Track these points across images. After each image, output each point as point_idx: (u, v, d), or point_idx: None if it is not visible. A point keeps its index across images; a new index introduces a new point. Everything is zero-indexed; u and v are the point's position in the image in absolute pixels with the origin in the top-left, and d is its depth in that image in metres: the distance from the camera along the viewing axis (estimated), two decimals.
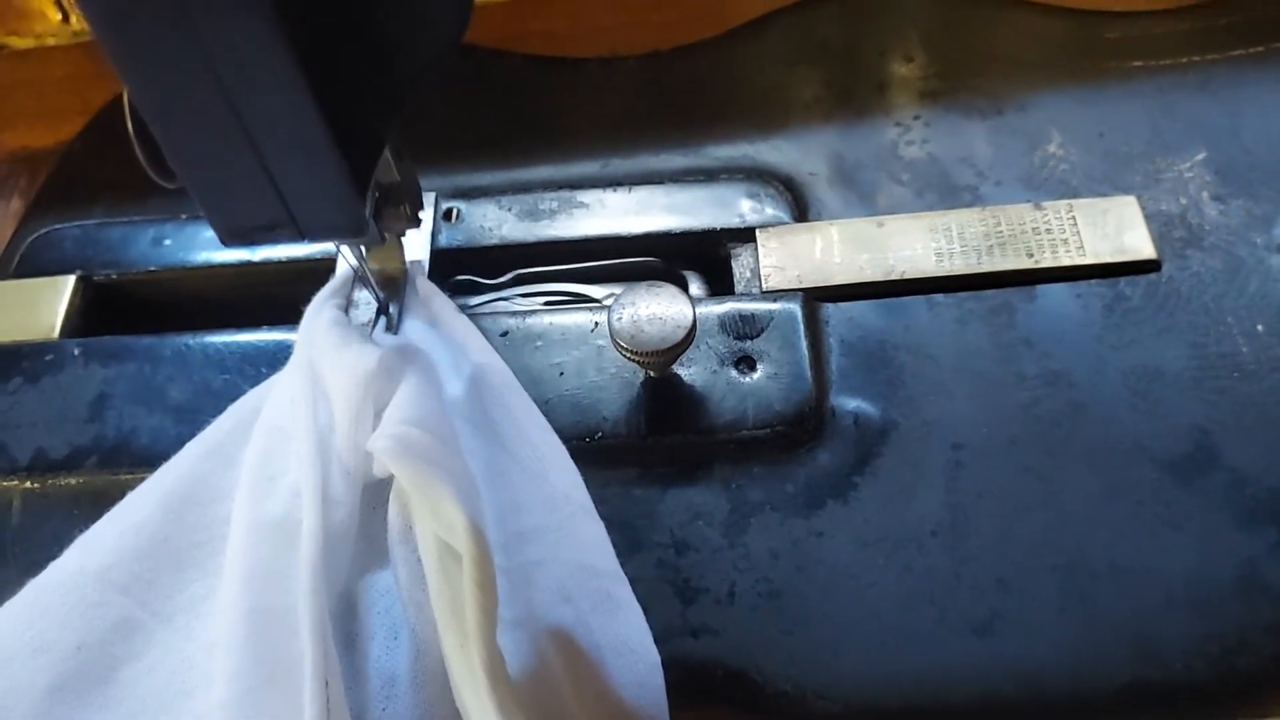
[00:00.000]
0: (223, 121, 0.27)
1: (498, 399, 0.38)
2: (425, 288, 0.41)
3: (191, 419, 0.40)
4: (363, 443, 0.33)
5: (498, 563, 0.32)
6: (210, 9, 0.24)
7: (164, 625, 0.33)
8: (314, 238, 0.31)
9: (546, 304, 0.44)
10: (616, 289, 0.44)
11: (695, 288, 0.44)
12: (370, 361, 0.34)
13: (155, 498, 0.35)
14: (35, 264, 0.47)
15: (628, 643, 0.33)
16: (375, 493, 0.34)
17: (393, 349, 0.35)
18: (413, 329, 0.39)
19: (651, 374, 0.40)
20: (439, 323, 0.40)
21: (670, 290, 0.37)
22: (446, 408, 0.35)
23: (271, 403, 0.36)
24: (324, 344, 0.35)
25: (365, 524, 0.34)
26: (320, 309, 0.37)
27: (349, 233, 0.30)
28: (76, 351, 0.43)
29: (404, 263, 0.40)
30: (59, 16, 0.59)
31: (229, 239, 0.30)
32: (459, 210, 0.46)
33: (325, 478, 0.33)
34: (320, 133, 0.27)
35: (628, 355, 0.37)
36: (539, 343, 0.41)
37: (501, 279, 0.45)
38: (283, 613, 0.30)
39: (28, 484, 0.40)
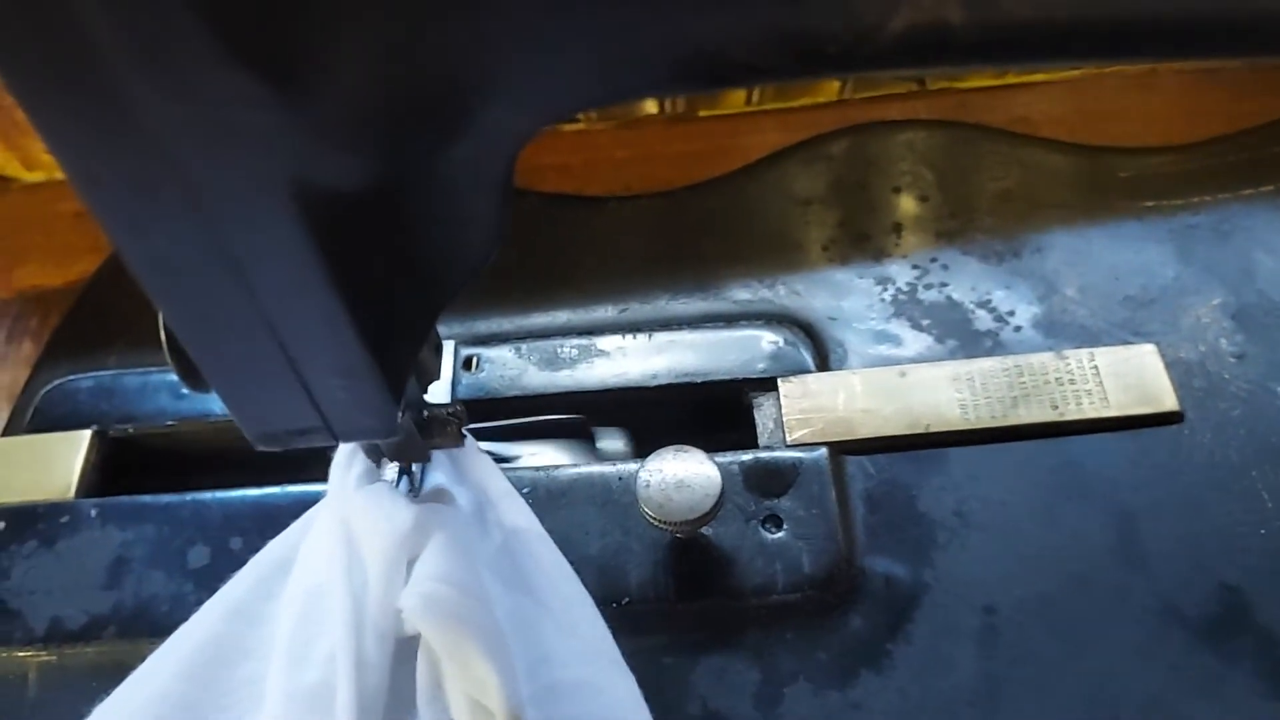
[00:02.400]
0: (259, 341, 0.26)
1: (526, 550, 0.38)
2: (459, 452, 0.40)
3: (212, 584, 0.39)
4: (394, 602, 0.33)
5: (530, 716, 0.32)
6: (248, 237, 0.24)
7: None
8: (349, 439, 0.31)
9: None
10: (537, 448, 0.44)
11: (612, 443, 0.44)
12: (406, 521, 0.34)
13: (176, 664, 0.34)
14: (50, 417, 0.46)
15: None
16: (403, 647, 0.34)
17: (426, 505, 0.35)
18: (439, 480, 0.39)
19: (679, 535, 0.39)
20: (465, 471, 0.40)
21: (696, 455, 0.37)
22: (476, 559, 0.35)
23: (305, 562, 0.36)
24: (357, 501, 0.35)
25: (393, 680, 0.34)
26: (349, 463, 0.37)
27: (383, 435, 0.30)
28: (93, 513, 0.42)
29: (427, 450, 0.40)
30: None
31: (262, 443, 0.30)
32: (479, 358, 0.45)
33: (360, 642, 0.33)
34: (357, 350, 0.27)
35: (656, 523, 0.37)
36: (563, 500, 0.41)
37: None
38: None
39: (44, 655, 0.40)
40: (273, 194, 0.23)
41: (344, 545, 0.35)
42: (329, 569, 0.34)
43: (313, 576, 0.35)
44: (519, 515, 0.39)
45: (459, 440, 0.36)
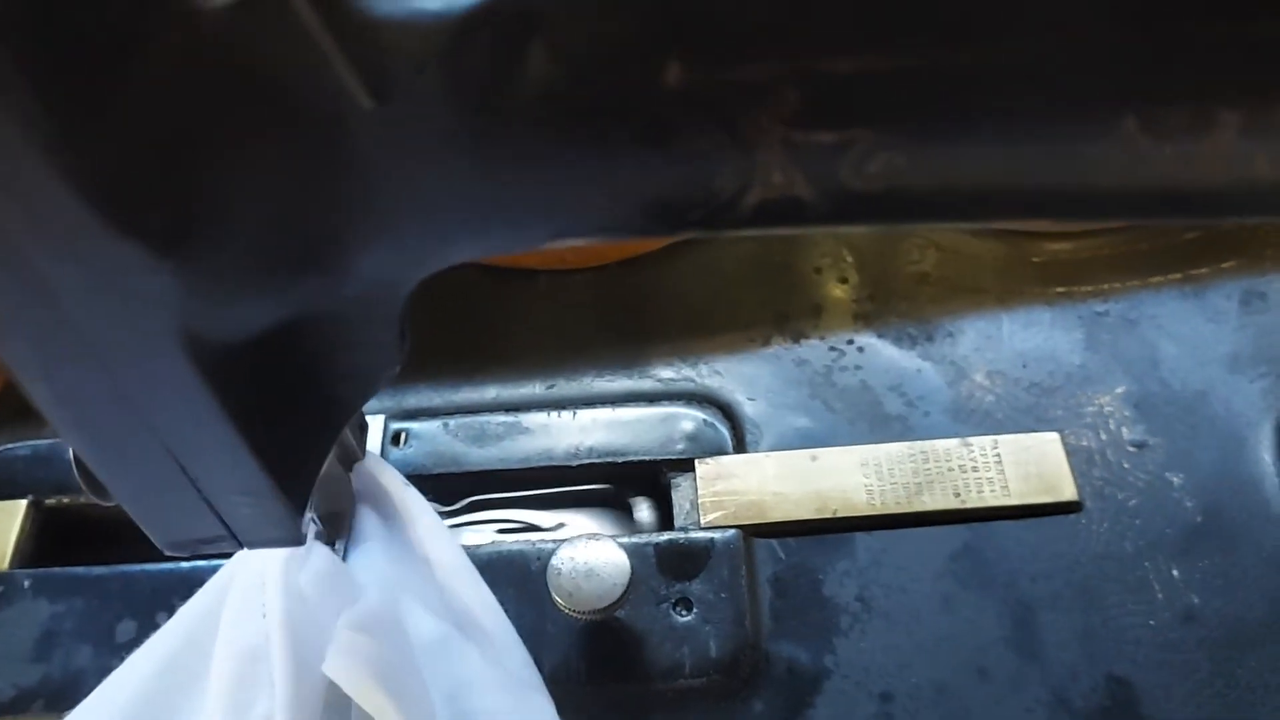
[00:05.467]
0: (161, 465, 0.28)
1: (453, 580, 0.39)
2: (376, 471, 0.42)
3: None
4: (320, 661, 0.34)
5: None
6: (142, 382, 0.25)
7: None
8: (254, 547, 0.32)
9: (499, 531, 0.45)
10: (567, 515, 0.46)
11: (645, 513, 0.46)
12: (328, 565, 0.36)
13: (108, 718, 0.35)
14: None
15: None
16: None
17: (354, 541, 0.38)
18: (368, 518, 0.40)
19: (590, 619, 0.41)
20: (391, 504, 0.41)
21: (608, 545, 0.39)
22: (404, 589, 0.37)
23: (234, 621, 0.37)
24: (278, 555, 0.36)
25: None
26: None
27: (288, 544, 0.31)
28: (27, 584, 0.43)
29: (352, 499, 0.41)
30: None
31: (170, 550, 0.31)
32: (407, 433, 0.47)
33: (299, 706, 0.34)
34: (257, 474, 0.28)
35: (567, 611, 0.38)
36: (485, 578, 0.42)
37: (457, 505, 0.46)
38: None
39: None
40: (163, 344, 0.24)
41: (279, 600, 0.36)
42: (270, 630, 0.35)
43: (245, 637, 0.36)
44: (446, 548, 0.40)
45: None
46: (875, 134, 0.22)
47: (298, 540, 0.31)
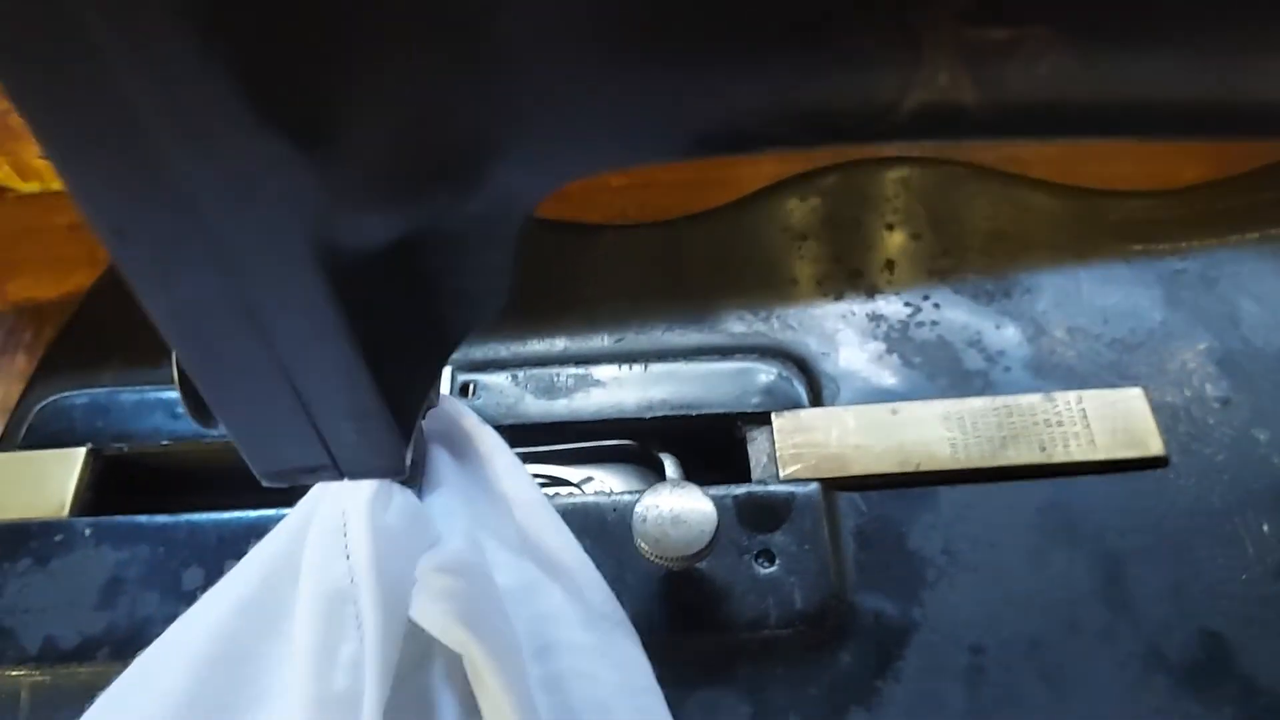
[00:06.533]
0: (272, 384, 0.27)
1: (532, 519, 0.38)
2: (453, 412, 0.41)
3: None
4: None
5: (532, 671, 0.33)
6: (269, 290, 0.24)
7: None
8: (356, 478, 0.31)
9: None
10: (594, 470, 0.45)
11: (670, 470, 0.45)
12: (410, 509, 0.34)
13: (182, 658, 0.34)
14: (43, 433, 0.46)
15: None
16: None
17: (431, 480, 0.36)
18: (442, 470, 0.39)
19: (672, 569, 0.40)
20: (470, 446, 0.40)
21: (693, 491, 0.38)
22: (483, 528, 0.36)
23: (319, 564, 0.36)
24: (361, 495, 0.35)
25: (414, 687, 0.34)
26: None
27: (391, 474, 0.31)
28: (88, 532, 0.42)
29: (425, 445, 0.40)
30: None
31: (269, 480, 0.30)
32: (475, 384, 0.46)
33: (388, 651, 0.33)
34: (369, 395, 0.27)
35: (652, 558, 0.37)
36: None
37: None
38: None
39: (37, 675, 0.40)
40: (295, 250, 0.23)
41: (372, 545, 0.34)
42: (355, 572, 0.34)
43: (329, 579, 0.35)
44: (524, 486, 0.39)
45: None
46: (1050, 31, 0.22)
47: (401, 470, 0.31)
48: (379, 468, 0.30)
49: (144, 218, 0.22)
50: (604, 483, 0.45)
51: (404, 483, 0.39)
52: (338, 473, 0.30)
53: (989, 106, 0.23)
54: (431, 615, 0.32)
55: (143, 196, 0.21)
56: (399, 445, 0.29)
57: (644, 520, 0.37)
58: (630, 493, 0.42)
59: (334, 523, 0.36)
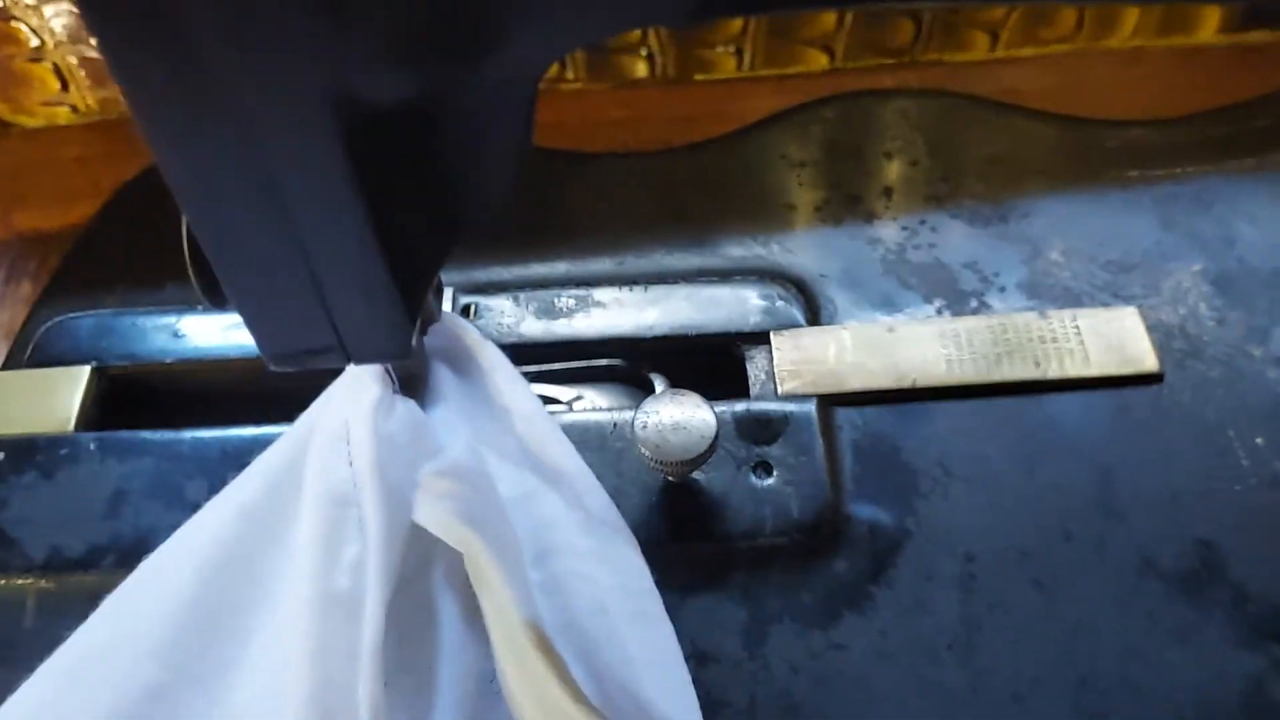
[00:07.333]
0: (285, 255, 0.27)
1: (530, 429, 0.39)
2: (453, 327, 0.41)
3: None
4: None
5: (532, 577, 0.34)
6: (286, 149, 0.25)
7: (191, 692, 0.33)
8: (361, 361, 0.31)
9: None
10: (585, 389, 0.45)
11: (660, 388, 0.45)
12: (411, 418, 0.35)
13: (188, 560, 0.35)
14: (48, 353, 0.47)
15: (664, 656, 0.35)
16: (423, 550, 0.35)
17: (432, 392, 0.38)
18: (443, 384, 0.40)
19: (671, 479, 0.40)
20: (469, 358, 0.41)
21: (692, 398, 0.38)
22: (477, 438, 0.37)
23: (322, 470, 0.36)
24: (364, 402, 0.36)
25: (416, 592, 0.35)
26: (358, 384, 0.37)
27: (397, 357, 0.31)
28: (92, 446, 0.43)
29: (426, 361, 0.41)
30: (58, 85, 0.59)
31: (276, 363, 0.31)
32: (477, 306, 0.46)
33: (390, 555, 0.33)
34: (379, 267, 0.28)
35: (651, 464, 0.38)
36: None
37: None
38: (346, 688, 0.31)
39: (43, 583, 0.40)
40: (312, 105, 0.24)
41: (373, 450, 0.35)
42: (358, 476, 0.34)
43: (333, 484, 0.35)
44: (524, 398, 0.39)
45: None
46: None
47: (407, 353, 0.31)
48: (385, 350, 0.31)
49: (161, 77, 0.22)
50: (594, 402, 0.46)
51: (406, 396, 0.40)
52: (344, 355, 0.30)
53: None
54: (433, 515, 0.33)
55: (162, 50, 0.22)
56: (405, 325, 0.30)
57: (644, 427, 0.37)
58: (631, 407, 0.42)
59: (337, 431, 0.36)
